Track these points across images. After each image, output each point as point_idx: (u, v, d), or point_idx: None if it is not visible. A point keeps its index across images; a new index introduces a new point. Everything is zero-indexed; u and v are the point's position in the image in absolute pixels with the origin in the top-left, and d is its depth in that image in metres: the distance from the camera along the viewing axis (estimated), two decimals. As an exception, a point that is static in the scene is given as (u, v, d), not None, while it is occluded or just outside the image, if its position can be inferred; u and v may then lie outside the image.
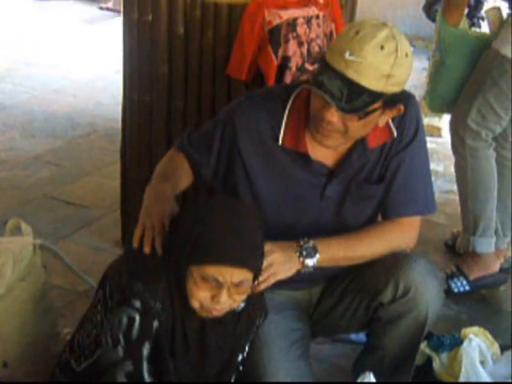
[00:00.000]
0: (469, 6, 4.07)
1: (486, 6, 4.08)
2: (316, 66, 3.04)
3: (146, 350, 1.85)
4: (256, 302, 2.00)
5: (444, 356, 2.51)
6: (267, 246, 1.95)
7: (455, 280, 3.21)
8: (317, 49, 2.97)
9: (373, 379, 2.06)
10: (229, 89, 3.02)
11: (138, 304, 1.80)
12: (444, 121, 4.69)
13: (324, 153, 2.14)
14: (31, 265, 2.40)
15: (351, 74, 1.93)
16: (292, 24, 2.83)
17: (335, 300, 2.29)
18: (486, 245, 3.19)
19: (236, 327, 1.98)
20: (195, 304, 1.83)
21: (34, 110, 5.10)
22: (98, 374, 1.88)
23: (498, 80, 2.96)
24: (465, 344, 2.41)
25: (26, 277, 2.37)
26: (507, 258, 3.31)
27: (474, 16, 4.33)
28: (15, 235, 2.54)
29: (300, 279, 2.15)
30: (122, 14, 3.13)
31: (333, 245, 2.12)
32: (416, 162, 2.21)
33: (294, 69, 2.90)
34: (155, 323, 1.83)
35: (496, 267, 3.24)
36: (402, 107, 2.08)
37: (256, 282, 1.92)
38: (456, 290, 3.20)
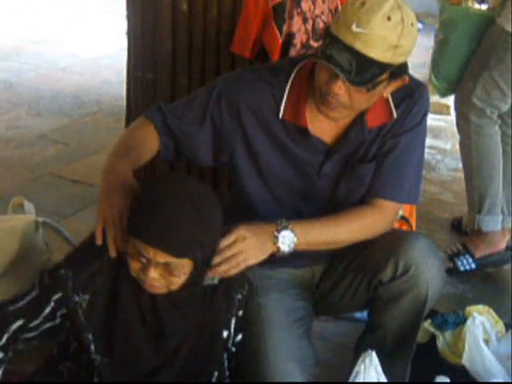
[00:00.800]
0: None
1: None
2: (321, 42, 3.03)
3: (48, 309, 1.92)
4: (233, 277, 1.98)
5: (448, 334, 2.50)
6: (238, 232, 1.94)
7: (461, 258, 3.20)
8: (322, 25, 2.94)
9: (375, 358, 2.05)
10: (233, 65, 3.01)
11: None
12: (453, 99, 4.67)
13: (323, 128, 2.13)
14: (33, 242, 2.40)
15: (359, 46, 1.91)
16: (296, 0, 2.81)
17: (336, 279, 2.27)
18: (491, 223, 3.18)
19: (210, 304, 1.96)
20: (133, 273, 1.84)
21: (41, 88, 5.09)
22: None
23: (504, 57, 2.93)
24: (468, 322, 2.40)
25: (28, 254, 2.37)
26: (513, 236, 3.30)
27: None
28: (18, 213, 2.55)
29: (302, 256, 2.14)
30: (125, -9, 3.12)
31: (311, 229, 2.08)
32: (411, 150, 2.18)
33: (298, 45, 2.87)
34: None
35: (502, 245, 3.23)
36: (406, 77, 2.07)
37: (217, 268, 1.92)
38: (462, 268, 3.19)
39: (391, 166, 2.16)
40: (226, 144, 2.17)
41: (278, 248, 2.03)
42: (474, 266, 3.20)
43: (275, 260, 2.05)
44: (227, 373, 2.08)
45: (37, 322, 1.94)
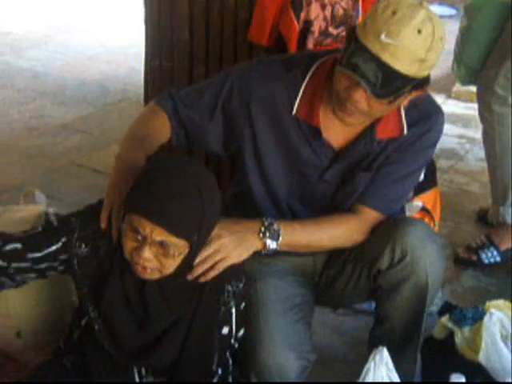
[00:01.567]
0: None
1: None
2: (340, 29, 2.98)
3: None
4: (227, 270, 1.95)
5: (466, 330, 2.43)
6: (215, 231, 1.90)
7: (485, 250, 3.15)
8: (341, 11, 2.88)
9: (386, 354, 2.00)
10: (250, 54, 2.98)
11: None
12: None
13: (333, 132, 2.10)
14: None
15: (387, 57, 1.86)
16: (314, -14, 2.76)
17: (337, 270, 2.23)
18: (516, 215, 3.11)
19: (200, 297, 1.93)
20: (127, 255, 1.82)
21: (67, 77, 5.10)
22: None
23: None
24: (485, 319, 2.33)
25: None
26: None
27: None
28: (29, 203, 2.53)
29: None
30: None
31: (297, 231, 2.07)
32: (412, 169, 2.17)
33: (316, 33, 2.82)
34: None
35: (528, 237, 3.16)
36: (426, 89, 2.02)
37: (194, 270, 1.89)
38: (486, 261, 3.14)
39: (387, 178, 2.13)
40: (236, 135, 2.14)
41: (265, 244, 2.00)
42: (498, 258, 3.14)
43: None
44: (231, 368, 2.04)
45: (38, 254, 1.96)
